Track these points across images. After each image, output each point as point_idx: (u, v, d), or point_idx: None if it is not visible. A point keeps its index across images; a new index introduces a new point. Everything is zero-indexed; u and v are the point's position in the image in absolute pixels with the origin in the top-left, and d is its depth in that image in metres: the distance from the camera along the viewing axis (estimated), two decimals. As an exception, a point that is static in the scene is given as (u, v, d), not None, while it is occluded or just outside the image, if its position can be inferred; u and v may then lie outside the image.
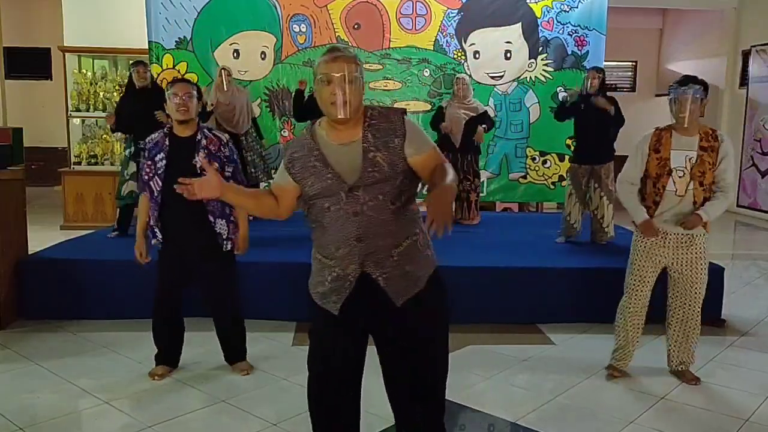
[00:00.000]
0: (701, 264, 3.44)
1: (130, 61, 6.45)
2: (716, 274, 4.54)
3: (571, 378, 3.57)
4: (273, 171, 7.01)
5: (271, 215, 2.18)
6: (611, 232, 5.44)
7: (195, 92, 3.32)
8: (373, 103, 5.68)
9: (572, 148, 6.01)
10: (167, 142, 3.29)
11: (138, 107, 5.26)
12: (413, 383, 2.12)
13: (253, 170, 6.09)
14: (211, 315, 3.58)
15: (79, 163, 7.67)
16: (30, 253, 4.58)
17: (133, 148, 5.40)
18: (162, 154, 3.28)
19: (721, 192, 3.34)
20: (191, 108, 3.27)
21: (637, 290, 3.49)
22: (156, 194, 3.29)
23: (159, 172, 3.27)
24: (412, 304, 2.06)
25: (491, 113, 6.69)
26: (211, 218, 3.31)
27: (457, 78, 6.26)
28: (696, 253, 3.41)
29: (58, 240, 5.43)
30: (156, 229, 3.35)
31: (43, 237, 5.61)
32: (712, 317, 4.45)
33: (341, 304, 2.07)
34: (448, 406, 2.30)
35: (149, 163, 3.30)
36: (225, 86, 5.88)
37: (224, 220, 3.35)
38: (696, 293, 3.46)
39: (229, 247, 3.39)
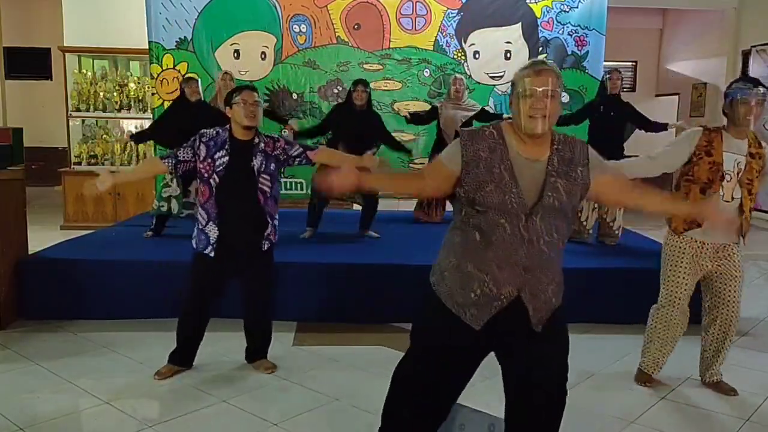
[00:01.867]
0: (739, 273, 3.27)
1: (182, 78, 6.32)
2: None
3: (571, 378, 3.50)
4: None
5: (415, 194, 2.09)
6: (620, 234, 5.44)
7: (260, 99, 3.41)
8: (373, 103, 5.66)
9: None
10: (228, 144, 3.32)
11: (190, 120, 5.18)
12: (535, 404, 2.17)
13: None
14: (245, 312, 3.58)
15: (80, 163, 7.70)
16: (30, 253, 4.58)
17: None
18: (223, 152, 3.31)
19: None
20: (258, 115, 3.35)
21: (680, 300, 3.29)
22: (214, 192, 3.31)
23: (218, 170, 3.30)
24: (546, 324, 2.09)
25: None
26: (269, 219, 3.39)
27: (456, 78, 6.24)
28: (734, 263, 3.25)
29: (58, 240, 5.41)
30: (208, 231, 3.33)
31: (43, 237, 5.60)
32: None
33: (485, 322, 2.04)
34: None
35: (209, 161, 3.31)
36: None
37: (272, 221, 3.42)
38: (736, 303, 3.30)
39: (266, 247, 3.44)
